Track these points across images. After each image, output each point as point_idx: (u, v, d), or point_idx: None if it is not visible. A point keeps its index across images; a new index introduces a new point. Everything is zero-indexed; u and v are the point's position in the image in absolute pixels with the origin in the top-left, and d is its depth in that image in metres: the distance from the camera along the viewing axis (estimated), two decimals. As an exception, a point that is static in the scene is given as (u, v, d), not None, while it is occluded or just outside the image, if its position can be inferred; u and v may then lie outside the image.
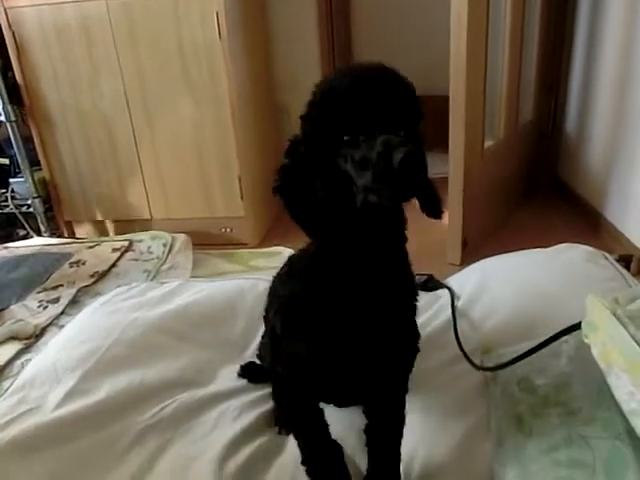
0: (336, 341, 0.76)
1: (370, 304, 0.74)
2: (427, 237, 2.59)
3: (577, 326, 0.83)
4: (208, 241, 2.63)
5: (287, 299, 0.81)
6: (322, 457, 0.86)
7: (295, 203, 0.70)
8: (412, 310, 0.83)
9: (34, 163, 2.76)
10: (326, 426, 0.87)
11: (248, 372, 1.19)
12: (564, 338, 0.91)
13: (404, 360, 0.86)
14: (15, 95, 2.62)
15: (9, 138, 2.71)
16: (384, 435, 0.87)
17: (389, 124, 0.63)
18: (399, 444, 0.87)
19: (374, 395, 0.88)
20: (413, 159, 0.58)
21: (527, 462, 0.83)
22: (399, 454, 0.87)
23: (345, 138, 0.64)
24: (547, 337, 0.91)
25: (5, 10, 2.47)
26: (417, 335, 0.89)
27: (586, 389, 0.87)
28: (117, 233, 2.82)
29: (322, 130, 0.66)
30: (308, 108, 0.69)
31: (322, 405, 0.90)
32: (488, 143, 2.44)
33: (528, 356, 0.94)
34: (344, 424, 0.99)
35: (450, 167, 2.22)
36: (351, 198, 0.66)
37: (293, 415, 0.89)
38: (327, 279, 0.75)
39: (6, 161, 2.88)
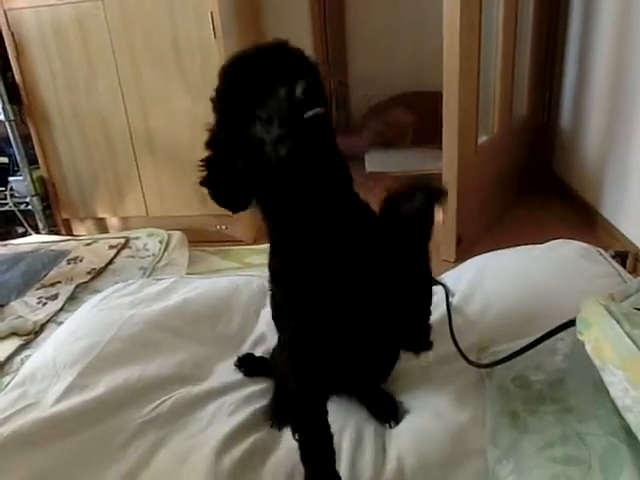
0: (323, 306, 0.77)
1: (341, 253, 0.75)
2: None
3: (571, 323, 0.84)
4: (203, 238, 2.63)
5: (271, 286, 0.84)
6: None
7: (221, 190, 0.74)
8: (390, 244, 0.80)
9: (32, 162, 2.78)
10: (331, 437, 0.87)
11: (245, 364, 1.19)
12: (560, 335, 0.91)
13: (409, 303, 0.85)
14: (14, 95, 2.64)
15: (8, 137, 2.73)
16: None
17: (289, 80, 0.65)
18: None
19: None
20: (313, 87, 0.62)
21: (523, 459, 0.83)
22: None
23: (254, 101, 0.67)
24: (542, 334, 0.92)
25: (5, 12, 2.50)
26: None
27: (582, 386, 0.88)
28: (114, 230, 2.83)
29: (231, 101, 0.70)
30: (216, 89, 0.72)
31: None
32: (482, 139, 2.45)
33: (523, 353, 0.94)
34: (341, 422, 1.00)
35: (444, 163, 2.23)
36: (270, 166, 0.68)
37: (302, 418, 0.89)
38: (287, 254, 0.77)
39: (5, 160, 2.90)
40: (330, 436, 0.87)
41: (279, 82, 0.65)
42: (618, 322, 0.71)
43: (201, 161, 0.75)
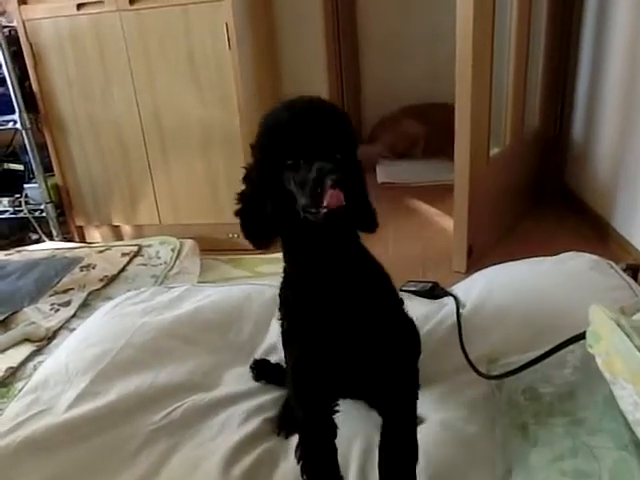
0: (323, 344, 0.82)
1: (340, 304, 0.80)
2: (432, 245, 2.60)
3: (582, 336, 0.84)
4: (215, 246, 2.64)
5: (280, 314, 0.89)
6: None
7: (248, 225, 0.80)
8: (391, 303, 0.89)
9: (47, 169, 2.81)
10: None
11: (259, 368, 1.21)
12: (570, 348, 0.91)
13: (398, 351, 0.88)
14: (31, 103, 2.68)
15: (24, 145, 2.76)
16: (396, 452, 0.86)
17: (325, 150, 0.71)
18: (414, 462, 0.86)
19: (381, 391, 0.91)
20: (342, 183, 0.67)
21: (532, 471, 0.82)
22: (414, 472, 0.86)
23: (288, 162, 0.72)
24: (552, 346, 0.92)
25: (23, 22, 2.54)
26: (409, 326, 1.00)
27: (591, 399, 0.87)
28: (126, 238, 2.85)
29: (269, 156, 0.75)
30: (257, 138, 0.78)
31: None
32: (494, 150, 2.44)
33: (533, 365, 0.94)
34: (351, 430, 1.01)
35: (455, 174, 2.22)
36: (296, 213, 0.74)
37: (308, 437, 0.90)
38: (298, 290, 0.83)
39: (21, 167, 2.94)
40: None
41: (316, 149, 0.70)
42: (628, 336, 0.71)
43: (237, 194, 0.81)
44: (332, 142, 0.73)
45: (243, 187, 0.82)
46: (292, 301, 0.85)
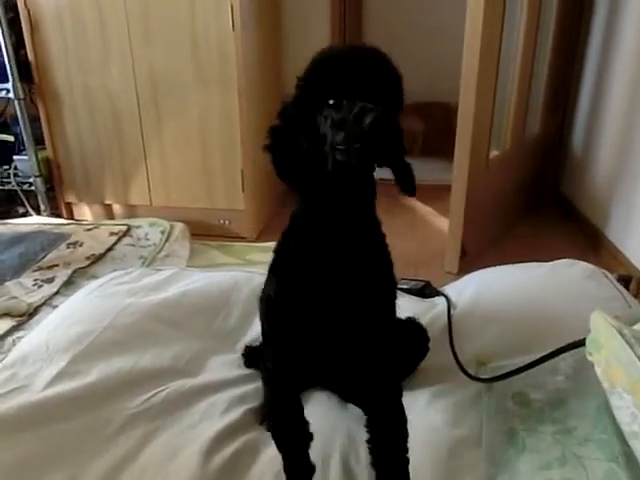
0: (312, 308, 0.80)
1: (341, 269, 0.78)
2: (426, 244, 2.59)
3: (580, 343, 0.82)
4: (206, 232, 2.62)
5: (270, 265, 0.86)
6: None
7: (281, 160, 0.75)
8: (388, 291, 0.85)
9: (39, 142, 2.75)
10: (308, 443, 0.87)
11: (249, 354, 1.19)
12: (562, 355, 0.90)
13: (381, 343, 0.86)
14: (25, 73, 2.61)
15: (16, 115, 2.70)
16: (386, 441, 0.86)
17: (371, 97, 0.68)
18: (405, 447, 0.86)
19: (362, 385, 0.90)
20: (382, 122, 0.64)
21: (519, 478, 0.81)
22: (406, 458, 0.86)
23: (330, 102, 0.70)
24: (546, 352, 0.90)
25: (21, -12, 2.46)
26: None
27: (582, 408, 0.86)
28: (116, 218, 2.81)
29: (312, 91, 0.72)
30: (305, 71, 0.74)
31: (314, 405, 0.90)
32: (493, 153, 2.43)
33: (526, 370, 0.93)
34: (334, 424, 0.99)
35: (454, 175, 2.21)
36: (322, 159, 0.72)
37: (279, 422, 0.89)
38: (302, 240, 0.80)
39: (11, 138, 2.87)
40: (306, 430, 0.86)
41: (360, 91, 0.68)
42: (630, 346, 0.69)
43: (269, 128, 0.77)
44: (381, 92, 0.70)
45: (276, 121, 0.77)
46: (291, 256, 0.81)
